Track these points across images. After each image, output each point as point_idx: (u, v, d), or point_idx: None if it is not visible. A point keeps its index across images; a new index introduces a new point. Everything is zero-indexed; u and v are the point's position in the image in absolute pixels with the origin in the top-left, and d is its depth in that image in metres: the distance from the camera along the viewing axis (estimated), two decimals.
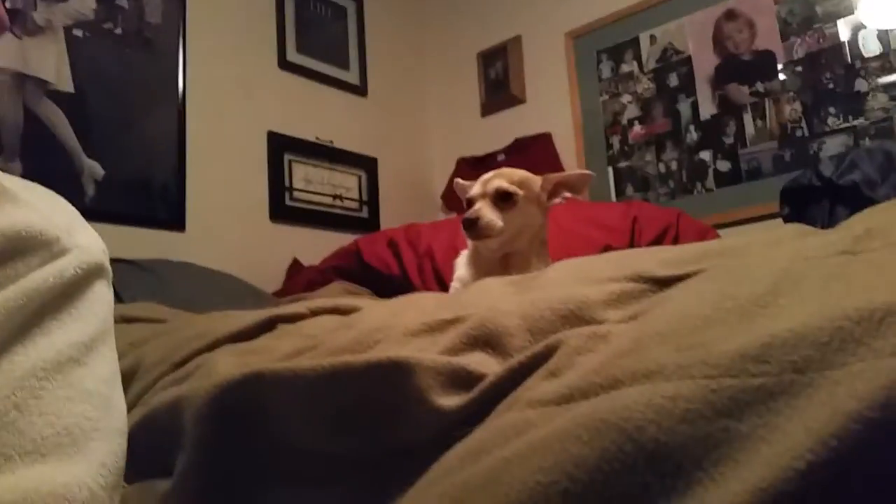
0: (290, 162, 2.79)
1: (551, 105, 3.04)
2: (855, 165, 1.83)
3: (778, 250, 0.53)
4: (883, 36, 2.29)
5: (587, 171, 1.47)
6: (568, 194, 1.46)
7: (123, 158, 2.28)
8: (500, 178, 1.42)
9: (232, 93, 2.67)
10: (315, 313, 1.00)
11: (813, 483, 0.35)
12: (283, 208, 2.74)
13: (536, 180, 1.45)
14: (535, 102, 3.13)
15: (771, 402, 0.40)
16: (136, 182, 2.31)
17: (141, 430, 0.76)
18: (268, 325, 1.00)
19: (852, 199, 1.75)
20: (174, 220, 2.39)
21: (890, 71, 2.26)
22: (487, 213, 1.35)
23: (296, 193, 2.79)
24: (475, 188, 1.43)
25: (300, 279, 2.39)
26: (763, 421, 0.39)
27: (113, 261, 0.50)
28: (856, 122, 2.30)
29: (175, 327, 1.22)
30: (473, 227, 1.34)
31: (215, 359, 0.88)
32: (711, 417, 0.40)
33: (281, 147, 2.77)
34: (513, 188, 1.39)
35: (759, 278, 0.49)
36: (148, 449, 0.70)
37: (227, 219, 2.55)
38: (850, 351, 0.39)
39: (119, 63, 2.32)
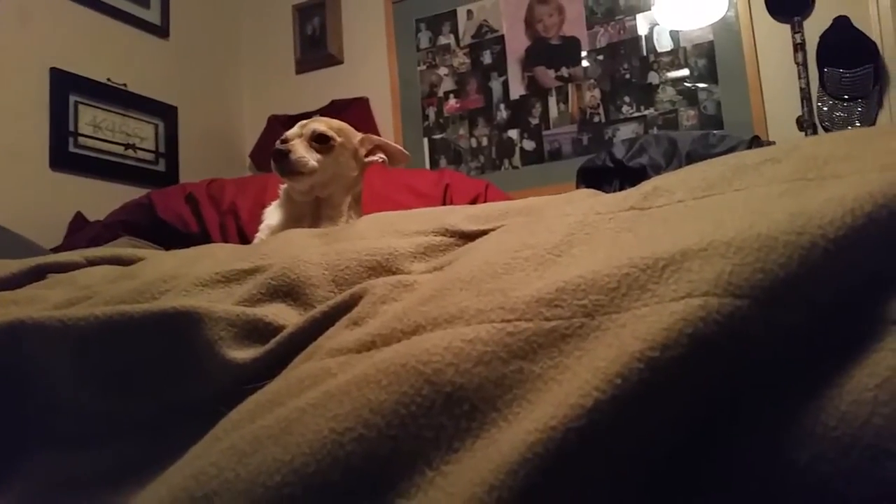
0: (75, 104, 2.50)
1: (369, 69, 3.00)
2: (643, 150, 2.01)
3: (573, 206, 0.56)
4: (674, 34, 2.52)
5: (406, 152, 1.48)
6: (384, 156, 1.45)
7: None
8: (318, 122, 1.39)
9: (7, 20, 2.32)
10: (92, 263, 0.89)
11: (599, 419, 0.36)
12: (66, 155, 2.45)
13: (356, 134, 1.44)
14: (352, 65, 3.07)
15: (563, 345, 0.41)
16: None
17: None
18: (36, 274, 0.87)
19: (640, 180, 1.90)
20: None
21: (678, 66, 2.50)
22: (301, 149, 1.30)
23: (81, 140, 2.50)
24: (292, 130, 1.37)
25: (83, 235, 2.14)
26: (555, 362, 0.40)
27: None
28: (646, 112, 2.52)
29: None
30: (284, 161, 1.28)
31: None
32: (507, 359, 0.40)
33: (66, 86, 2.47)
34: (331, 132, 1.35)
35: (555, 229, 0.51)
36: None
37: None
38: (635, 296, 0.41)
39: None
